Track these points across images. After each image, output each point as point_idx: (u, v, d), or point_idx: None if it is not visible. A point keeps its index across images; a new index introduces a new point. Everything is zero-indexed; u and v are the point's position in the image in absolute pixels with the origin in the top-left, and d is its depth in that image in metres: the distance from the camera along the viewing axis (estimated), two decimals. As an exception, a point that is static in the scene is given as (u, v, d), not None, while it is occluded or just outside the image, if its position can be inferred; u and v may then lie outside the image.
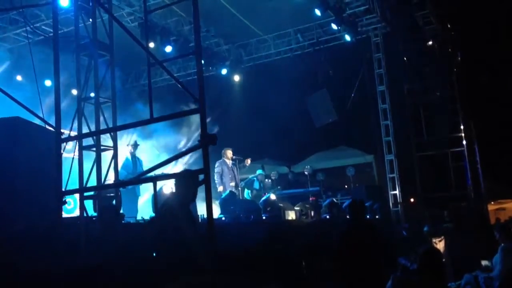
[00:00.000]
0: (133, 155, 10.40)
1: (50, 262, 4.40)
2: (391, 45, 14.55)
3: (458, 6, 14.18)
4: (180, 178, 5.00)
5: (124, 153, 10.04)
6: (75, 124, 6.08)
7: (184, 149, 12.08)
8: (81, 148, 6.02)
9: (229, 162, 11.19)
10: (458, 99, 14.53)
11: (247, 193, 12.17)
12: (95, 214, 5.89)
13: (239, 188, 11.39)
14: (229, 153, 11.25)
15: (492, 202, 17.81)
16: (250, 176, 12.31)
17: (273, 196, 10.14)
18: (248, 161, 11.51)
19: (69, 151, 6.21)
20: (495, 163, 15.18)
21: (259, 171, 12.33)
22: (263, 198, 10.23)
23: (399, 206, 13.91)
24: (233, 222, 8.80)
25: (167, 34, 12.44)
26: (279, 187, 12.54)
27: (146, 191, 10.74)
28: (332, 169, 16.23)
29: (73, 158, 5.96)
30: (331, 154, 17.56)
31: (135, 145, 10.51)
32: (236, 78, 15.75)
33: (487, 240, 8.24)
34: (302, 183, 13.47)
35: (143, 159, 10.73)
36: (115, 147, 6.37)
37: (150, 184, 5.48)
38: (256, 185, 12.19)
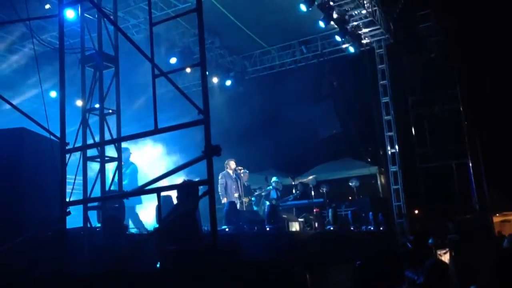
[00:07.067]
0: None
1: (53, 272, 4.39)
2: (395, 57, 14.59)
3: (462, 18, 14.21)
4: (181, 188, 4.97)
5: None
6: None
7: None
8: (86, 159, 6.03)
9: (232, 173, 11.11)
10: (463, 111, 14.52)
11: (266, 206, 11.36)
12: (98, 225, 5.88)
13: (243, 199, 11.28)
14: (232, 164, 11.16)
15: (497, 214, 17.67)
16: (267, 187, 11.93)
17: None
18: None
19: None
20: (500, 175, 15.07)
21: (275, 179, 12.07)
22: (267, 209, 10.15)
23: (403, 218, 13.84)
24: (237, 233, 8.75)
25: (172, 45, 12.54)
26: (298, 192, 12.31)
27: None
28: (336, 181, 16.14)
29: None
30: (335, 166, 17.48)
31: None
32: (241, 89, 15.80)
33: (493, 252, 8.17)
34: (306, 194, 13.40)
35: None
36: (119, 158, 6.37)
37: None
38: (274, 194, 11.87)
